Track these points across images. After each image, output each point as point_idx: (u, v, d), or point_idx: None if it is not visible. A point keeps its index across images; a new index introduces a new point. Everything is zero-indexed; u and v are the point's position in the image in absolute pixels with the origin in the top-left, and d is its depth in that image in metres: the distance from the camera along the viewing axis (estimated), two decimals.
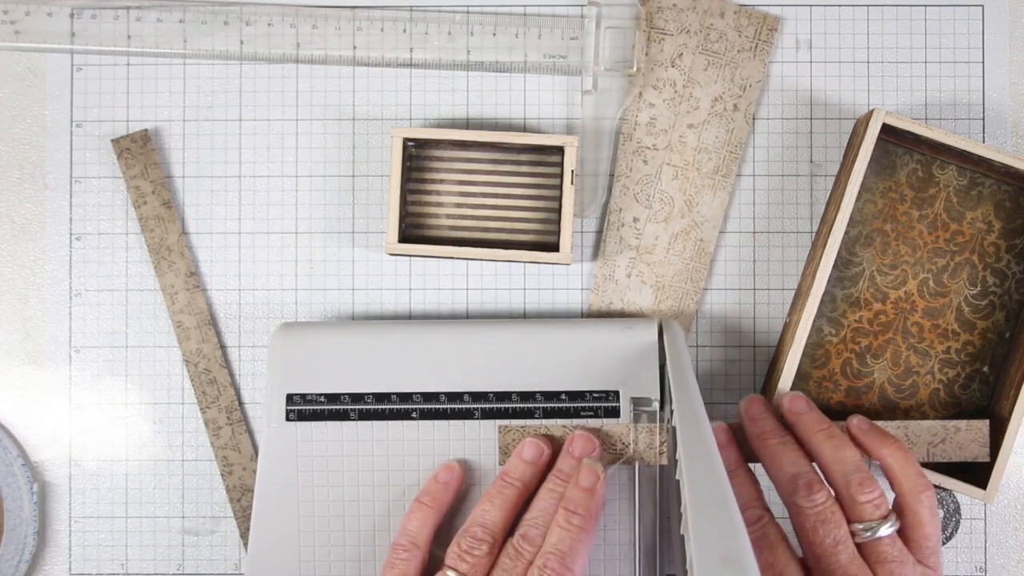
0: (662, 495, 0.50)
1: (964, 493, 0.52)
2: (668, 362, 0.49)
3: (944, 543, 0.55)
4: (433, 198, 0.55)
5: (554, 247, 0.54)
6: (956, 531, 0.55)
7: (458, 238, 0.55)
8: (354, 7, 0.56)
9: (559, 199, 0.54)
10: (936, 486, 0.54)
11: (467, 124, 0.56)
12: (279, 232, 0.56)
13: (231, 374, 0.56)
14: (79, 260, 0.56)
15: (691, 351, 0.56)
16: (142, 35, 0.56)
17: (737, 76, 0.56)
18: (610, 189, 0.56)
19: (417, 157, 0.55)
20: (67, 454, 0.56)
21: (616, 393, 0.51)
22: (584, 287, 0.56)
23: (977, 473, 0.53)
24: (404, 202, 0.54)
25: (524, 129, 0.56)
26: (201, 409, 0.56)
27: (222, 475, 0.56)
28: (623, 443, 0.50)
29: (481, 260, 0.55)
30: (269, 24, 0.56)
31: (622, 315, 0.55)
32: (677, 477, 0.45)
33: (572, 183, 0.53)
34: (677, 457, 0.44)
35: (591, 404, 0.51)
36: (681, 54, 0.56)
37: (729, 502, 0.39)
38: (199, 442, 0.56)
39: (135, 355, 0.56)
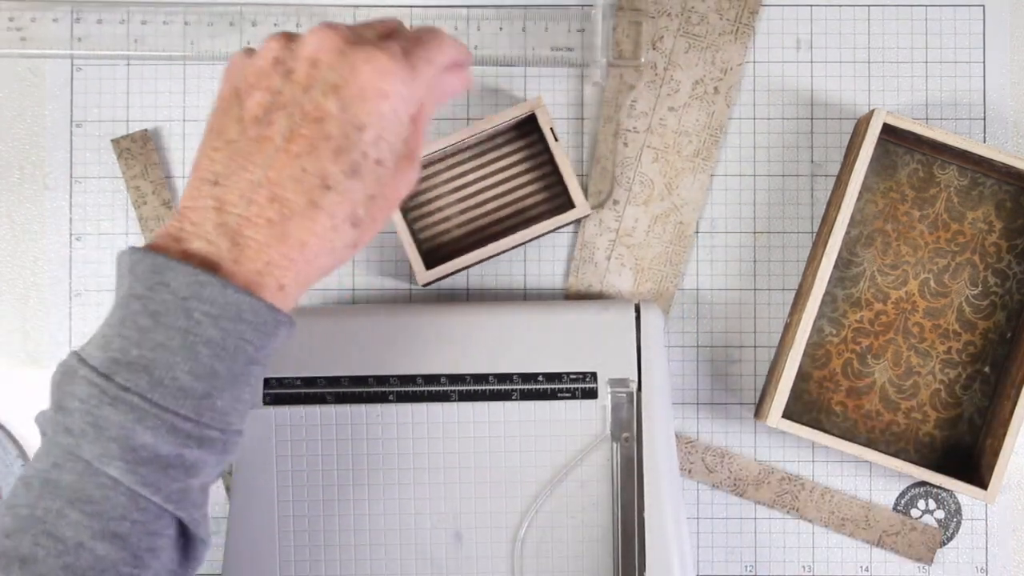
0: (639, 474, 0.50)
1: (965, 493, 0.52)
2: (641, 344, 0.50)
3: (945, 543, 0.55)
4: (437, 216, 0.55)
5: (568, 206, 0.54)
6: (957, 531, 0.55)
7: (476, 240, 0.55)
8: (358, 6, 0.56)
9: (552, 163, 0.54)
10: (937, 486, 0.54)
11: (468, 123, 0.56)
12: None
13: None
14: (79, 260, 0.56)
15: (691, 350, 0.56)
16: (147, 38, 0.55)
17: (718, 59, 0.56)
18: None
19: None
20: None
21: (594, 374, 0.51)
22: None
23: (978, 473, 0.53)
24: (413, 232, 0.54)
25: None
26: None
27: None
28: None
29: (508, 249, 0.54)
30: (275, 24, 0.55)
31: (601, 297, 0.55)
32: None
33: (556, 139, 0.53)
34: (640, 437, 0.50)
35: (569, 385, 0.51)
36: (662, 36, 0.56)
37: (676, 492, 0.50)
38: None
39: None
